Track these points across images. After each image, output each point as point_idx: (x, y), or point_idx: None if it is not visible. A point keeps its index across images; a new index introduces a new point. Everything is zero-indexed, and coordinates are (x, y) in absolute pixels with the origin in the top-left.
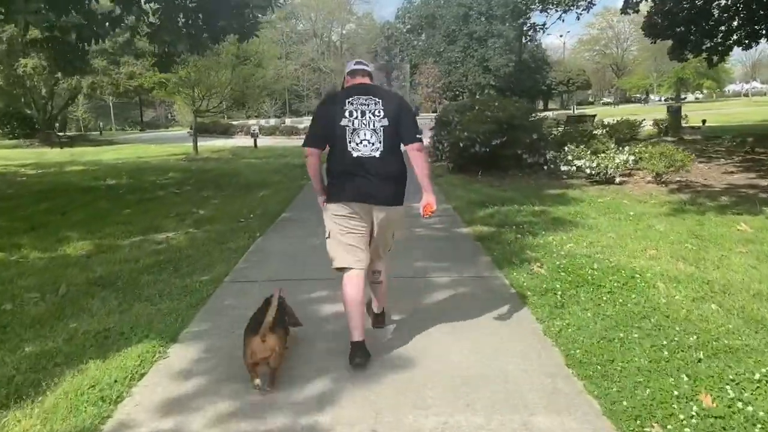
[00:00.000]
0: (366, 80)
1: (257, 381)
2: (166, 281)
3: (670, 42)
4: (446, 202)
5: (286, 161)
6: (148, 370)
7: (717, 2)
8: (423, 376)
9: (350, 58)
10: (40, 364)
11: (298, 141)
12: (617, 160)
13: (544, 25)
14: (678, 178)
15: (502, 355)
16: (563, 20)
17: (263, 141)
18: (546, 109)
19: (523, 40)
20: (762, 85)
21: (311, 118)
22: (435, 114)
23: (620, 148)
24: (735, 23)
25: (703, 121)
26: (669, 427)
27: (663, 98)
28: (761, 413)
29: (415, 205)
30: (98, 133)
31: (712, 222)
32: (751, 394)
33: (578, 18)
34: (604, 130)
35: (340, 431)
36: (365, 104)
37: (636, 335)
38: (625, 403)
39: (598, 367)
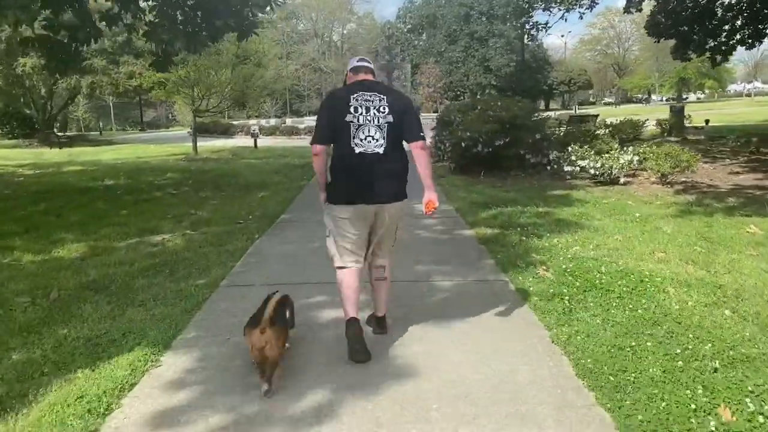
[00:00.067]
0: (369, 77)
1: (265, 387)
2: (160, 285)
3: (672, 42)
4: (448, 203)
5: (286, 161)
6: (139, 379)
7: (720, 1)
8: (426, 387)
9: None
10: (27, 374)
11: (298, 141)
12: (622, 161)
13: (546, 23)
14: (683, 179)
15: (509, 364)
16: (566, 19)
17: (263, 141)
18: (547, 109)
19: (525, 40)
20: (764, 85)
21: (316, 115)
22: (436, 114)
23: (624, 149)
24: (738, 22)
25: (707, 121)
26: None
27: (664, 98)
28: None
29: (417, 206)
30: (98, 133)
31: (721, 224)
32: None
33: (581, 17)
34: (607, 130)
35: None
36: (370, 100)
37: (648, 343)
38: (639, 417)
39: (610, 377)
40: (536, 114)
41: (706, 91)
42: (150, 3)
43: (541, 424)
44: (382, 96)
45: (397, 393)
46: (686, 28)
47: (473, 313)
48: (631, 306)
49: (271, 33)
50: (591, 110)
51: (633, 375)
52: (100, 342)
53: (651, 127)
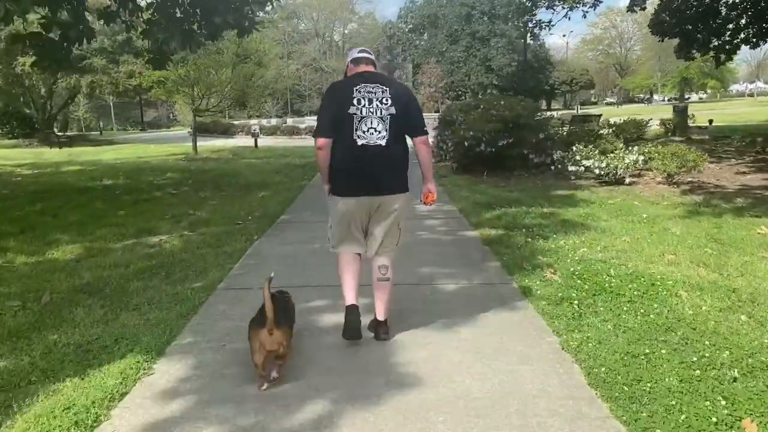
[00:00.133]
0: (370, 68)
1: (265, 386)
2: (156, 288)
3: (673, 42)
4: (451, 204)
5: (287, 161)
6: (130, 389)
7: (725, 0)
8: (431, 397)
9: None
10: (13, 382)
11: (299, 141)
12: (627, 161)
13: (550, 22)
14: (689, 179)
15: (517, 372)
16: (569, 18)
17: (264, 141)
18: (549, 109)
19: (528, 39)
20: (766, 84)
21: (318, 108)
22: (437, 114)
23: (629, 148)
24: (743, 21)
25: (710, 121)
26: None
27: (666, 98)
28: None
29: (419, 207)
30: (98, 133)
31: (730, 225)
32: None
33: (584, 16)
34: (611, 130)
35: None
36: (372, 92)
37: (663, 351)
38: (658, 431)
39: (625, 387)
40: (539, 113)
41: (708, 91)
42: (148, 0)
43: None
44: (384, 87)
45: (400, 403)
46: (690, 27)
47: (479, 318)
48: (642, 311)
49: (272, 32)
50: (593, 110)
51: (648, 385)
52: (91, 348)
53: (654, 127)
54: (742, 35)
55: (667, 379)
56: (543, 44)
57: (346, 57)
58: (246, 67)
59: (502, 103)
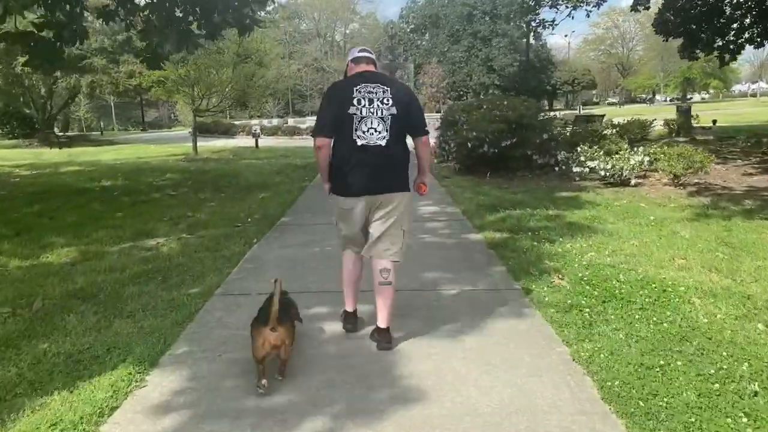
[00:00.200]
0: (371, 68)
1: (264, 381)
2: (152, 293)
3: (676, 42)
4: (454, 205)
5: (287, 162)
6: (120, 402)
7: None
8: (436, 412)
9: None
10: None
11: (300, 141)
12: (633, 162)
13: (553, 21)
14: (696, 180)
15: (526, 386)
16: (573, 17)
17: (265, 141)
18: (551, 109)
19: (531, 39)
20: None
21: (319, 108)
22: (439, 114)
23: (634, 149)
24: (747, 21)
25: (714, 121)
26: None
27: (668, 98)
28: None
29: (421, 208)
30: (99, 133)
31: (741, 228)
32: None
33: (588, 15)
34: (615, 131)
35: None
36: (373, 92)
37: (678, 362)
38: None
39: (640, 402)
40: (542, 114)
41: (711, 91)
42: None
43: None
44: (385, 87)
45: (404, 418)
46: (694, 27)
47: (485, 326)
48: (655, 319)
49: (273, 32)
50: (595, 110)
51: (665, 399)
52: (82, 358)
53: (658, 128)
54: (747, 35)
55: (684, 394)
56: (545, 44)
57: (346, 56)
58: (247, 67)
59: (506, 103)
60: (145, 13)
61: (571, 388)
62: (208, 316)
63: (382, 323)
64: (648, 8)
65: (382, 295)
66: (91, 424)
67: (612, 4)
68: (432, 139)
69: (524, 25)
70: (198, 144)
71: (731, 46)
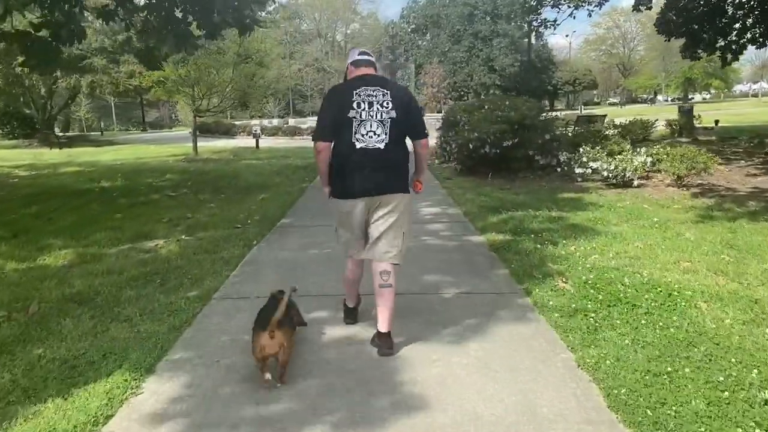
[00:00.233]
0: (371, 71)
1: (267, 375)
2: (149, 297)
3: (678, 42)
4: (456, 207)
5: (288, 162)
6: (116, 411)
7: None
8: (440, 421)
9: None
10: None
11: (301, 142)
12: (636, 162)
13: (555, 21)
14: (699, 181)
15: (531, 393)
16: (574, 16)
17: (265, 141)
18: (552, 109)
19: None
20: None
21: (319, 111)
22: (440, 114)
23: (637, 150)
24: (749, 21)
25: (716, 122)
26: None
27: (670, 98)
28: None
29: (423, 210)
30: (99, 133)
31: (746, 230)
32: None
33: (590, 15)
34: (617, 131)
35: None
36: (373, 95)
37: (686, 369)
38: None
39: (648, 411)
40: (544, 114)
41: (712, 91)
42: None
43: None
44: (385, 91)
45: (406, 427)
46: (696, 27)
47: (488, 331)
48: (661, 324)
49: (274, 33)
50: (597, 110)
51: (674, 408)
52: (77, 364)
53: (660, 128)
54: (749, 35)
55: (693, 402)
56: (546, 44)
57: (347, 58)
58: (247, 67)
59: (507, 103)
60: (144, 14)
61: (577, 396)
62: (206, 320)
63: (382, 327)
64: (650, 8)
65: (383, 297)
66: None
67: (613, 4)
68: (433, 139)
69: (526, 25)
70: (198, 144)
71: (733, 46)
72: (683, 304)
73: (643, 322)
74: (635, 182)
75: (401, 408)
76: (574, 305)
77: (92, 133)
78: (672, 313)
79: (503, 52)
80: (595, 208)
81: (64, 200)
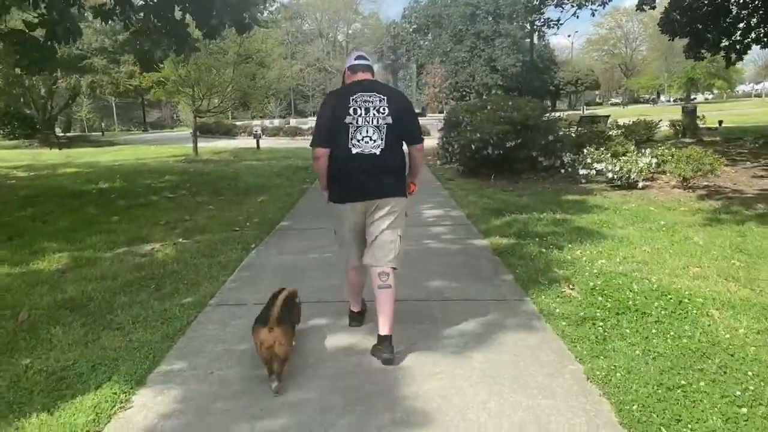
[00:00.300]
0: (368, 76)
1: (275, 383)
2: (143, 304)
3: (680, 42)
4: (458, 209)
5: (288, 163)
6: (103, 427)
7: None
8: None
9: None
10: None
11: (302, 142)
12: (641, 164)
13: (558, 20)
14: (705, 183)
15: (539, 409)
16: (578, 16)
17: (266, 142)
18: (554, 109)
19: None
20: None
21: (317, 117)
22: (442, 114)
23: (642, 151)
24: (754, 20)
25: (720, 122)
26: None
27: (672, 99)
28: None
29: (424, 212)
30: (100, 133)
31: (755, 233)
32: None
33: (593, 14)
34: (620, 131)
35: None
36: (369, 101)
37: (701, 383)
38: None
39: (662, 429)
40: (547, 114)
41: (715, 92)
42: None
43: None
44: (382, 96)
45: None
46: (700, 26)
47: (493, 341)
48: (672, 333)
49: (275, 33)
50: (599, 111)
51: (689, 426)
52: (65, 376)
53: (664, 128)
54: (753, 34)
55: (710, 419)
56: (548, 44)
57: (347, 59)
58: (248, 67)
59: (510, 103)
60: (140, 15)
61: (587, 412)
62: (201, 328)
63: (383, 330)
64: (654, 8)
65: (382, 299)
66: None
67: (616, 4)
68: (435, 140)
69: (528, 25)
70: (199, 145)
71: (737, 46)
72: (694, 312)
73: (653, 331)
74: (640, 184)
75: (402, 425)
76: (581, 313)
77: (93, 133)
78: (683, 322)
79: (505, 52)
80: (600, 211)
81: (60, 202)
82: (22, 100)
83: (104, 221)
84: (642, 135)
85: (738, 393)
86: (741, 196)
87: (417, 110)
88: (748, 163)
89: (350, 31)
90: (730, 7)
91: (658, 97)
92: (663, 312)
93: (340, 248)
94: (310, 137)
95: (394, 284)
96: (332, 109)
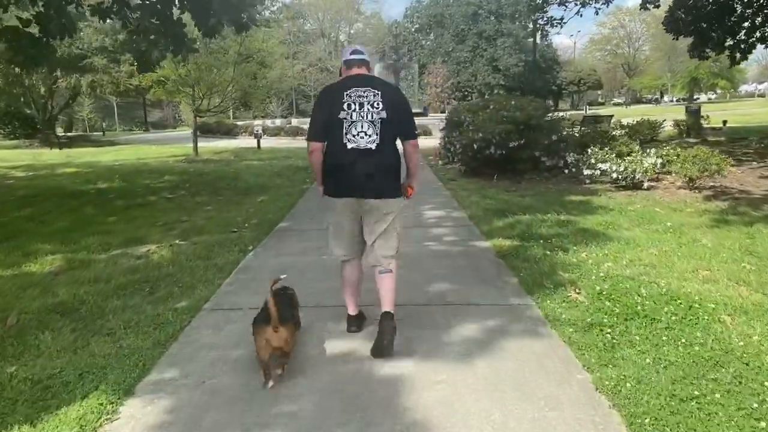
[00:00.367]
0: (363, 71)
1: (270, 384)
2: (136, 308)
3: (683, 42)
4: (460, 210)
5: (289, 163)
6: None
7: None
8: None
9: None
10: None
11: (303, 142)
12: (646, 164)
13: (561, 19)
14: (711, 184)
15: (545, 421)
16: (581, 15)
17: (267, 142)
18: (557, 109)
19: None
20: None
21: (311, 111)
22: (444, 114)
23: (647, 151)
24: (759, 19)
25: (724, 122)
26: None
27: (675, 99)
28: None
29: (425, 213)
30: (101, 133)
31: (765, 235)
32: None
33: (596, 13)
34: (624, 131)
35: None
36: (363, 96)
37: (716, 394)
38: None
39: None
40: (550, 114)
41: (718, 91)
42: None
43: None
44: (376, 91)
45: None
46: (705, 25)
47: (497, 348)
48: (684, 340)
49: (277, 33)
50: (602, 110)
51: None
52: (51, 385)
53: (668, 128)
54: (758, 33)
55: None
56: (550, 44)
57: (341, 55)
58: (248, 67)
59: (513, 103)
60: (136, 15)
61: (596, 426)
62: (195, 334)
63: (386, 306)
64: (658, 6)
65: (383, 282)
66: None
67: (619, 4)
68: (436, 140)
69: (531, 24)
70: (200, 145)
71: (742, 45)
72: (706, 318)
73: (664, 338)
74: (645, 184)
75: None
76: (588, 319)
77: (94, 133)
78: (694, 329)
79: (507, 51)
80: (605, 212)
81: (58, 202)
82: (22, 99)
83: (101, 222)
84: (646, 135)
85: (755, 405)
86: (748, 197)
87: (419, 110)
88: (754, 163)
89: (352, 31)
90: (735, 5)
91: (661, 97)
92: (673, 318)
93: (332, 240)
94: None
95: (395, 269)
96: (326, 104)
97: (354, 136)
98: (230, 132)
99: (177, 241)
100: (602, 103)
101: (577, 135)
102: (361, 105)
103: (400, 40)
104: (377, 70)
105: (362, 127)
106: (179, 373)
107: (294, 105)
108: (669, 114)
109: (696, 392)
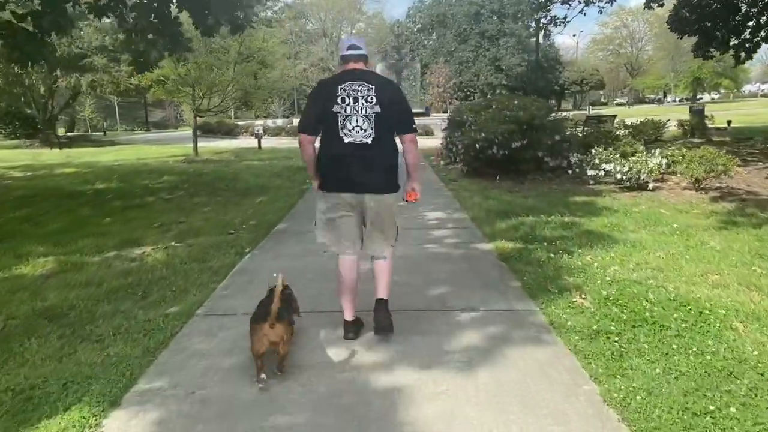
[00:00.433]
0: (360, 65)
1: (263, 376)
2: (127, 313)
3: (686, 41)
4: (462, 211)
5: (289, 164)
6: None
7: None
8: None
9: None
10: None
11: None
12: (651, 165)
13: (565, 18)
14: (717, 184)
15: None
16: (585, 14)
17: (268, 142)
18: (559, 109)
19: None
20: None
21: (305, 104)
22: (446, 114)
23: (651, 151)
24: (764, 18)
25: (729, 122)
26: None
27: (678, 98)
28: None
29: (426, 214)
30: (102, 133)
31: None
32: None
33: (600, 11)
34: (627, 131)
35: None
36: (358, 90)
37: (731, 408)
38: None
39: None
40: (554, 114)
41: (721, 91)
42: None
43: None
44: (370, 86)
45: None
46: (709, 24)
47: (500, 356)
48: (695, 348)
49: (278, 32)
50: (604, 110)
51: None
52: (33, 396)
53: (672, 128)
54: (763, 33)
55: None
56: (553, 44)
57: (337, 50)
58: (249, 66)
59: (516, 103)
60: (133, 14)
61: None
62: (186, 341)
63: (380, 293)
64: (662, 5)
65: (379, 269)
66: None
67: (622, 3)
68: (438, 140)
69: (534, 23)
70: (200, 145)
71: (747, 45)
72: (717, 324)
73: (674, 346)
74: (650, 185)
75: None
76: (595, 326)
77: (95, 133)
78: (706, 336)
79: (510, 51)
80: (610, 213)
81: (55, 203)
82: (22, 99)
83: (97, 223)
84: (650, 135)
85: None
86: (756, 198)
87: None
88: (760, 163)
89: (354, 31)
90: (740, 4)
91: (664, 96)
92: (683, 325)
93: (319, 231)
94: None
95: (390, 255)
96: (320, 98)
97: (350, 130)
98: (231, 132)
99: (173, 243)
100: (605, 103)
101: (581, 135)
102: (356, 99)
103: (402, 39)
104: (379, 69)
105: (357, 121)
106: (168, 382)
107: (296, 105)
108: (673, 114)
109: (710, 406)
